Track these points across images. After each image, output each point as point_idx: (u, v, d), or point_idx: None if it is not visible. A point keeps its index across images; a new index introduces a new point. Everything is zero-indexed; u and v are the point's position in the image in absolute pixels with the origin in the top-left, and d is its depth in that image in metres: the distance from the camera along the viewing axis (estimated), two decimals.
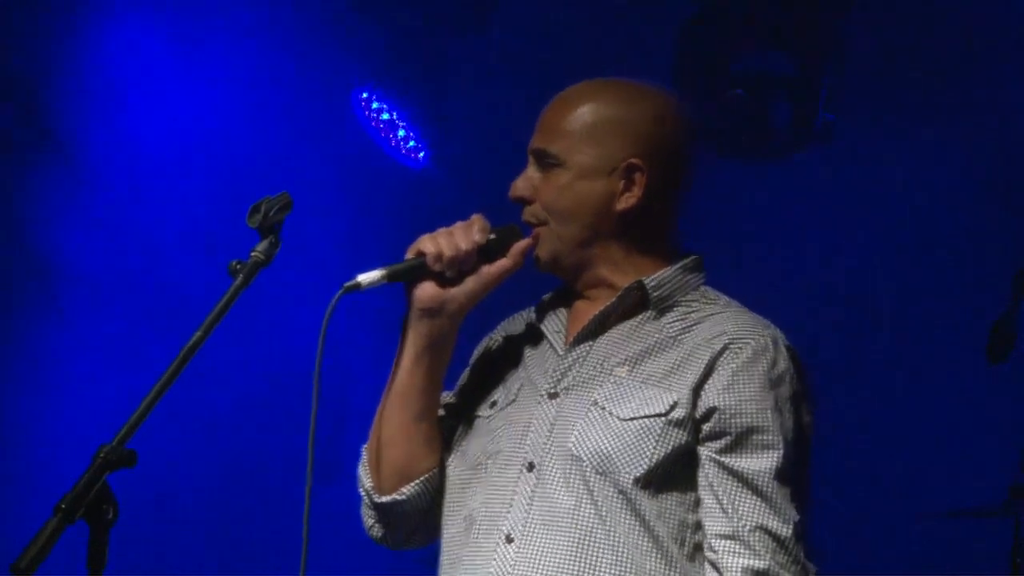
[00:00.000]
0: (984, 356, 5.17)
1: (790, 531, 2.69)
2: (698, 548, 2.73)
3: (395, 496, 2.93)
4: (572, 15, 6.22)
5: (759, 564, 2.68)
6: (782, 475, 2.71)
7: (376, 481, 2.95)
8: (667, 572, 2.71)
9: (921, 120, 6.17)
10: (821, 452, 6.65)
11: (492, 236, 2.89)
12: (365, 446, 2.99)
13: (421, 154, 6.35)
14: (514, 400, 2.88)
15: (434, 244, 2.86)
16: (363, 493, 2.99)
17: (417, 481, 2.92)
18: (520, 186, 2.91)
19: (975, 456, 5.97)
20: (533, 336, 2.97)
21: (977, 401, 6.05)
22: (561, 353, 2.89)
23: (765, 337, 2.78)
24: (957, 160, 6.14)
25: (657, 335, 2.83)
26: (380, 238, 5.42)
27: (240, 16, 6.07)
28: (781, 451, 2.72)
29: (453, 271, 2.87)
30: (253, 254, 2.76)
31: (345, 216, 6.09)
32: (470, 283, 2.88)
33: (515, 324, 3.04)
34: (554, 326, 2.94)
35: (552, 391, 2.84)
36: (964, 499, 5.55)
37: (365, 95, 6.28)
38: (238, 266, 2.74)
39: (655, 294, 2.86)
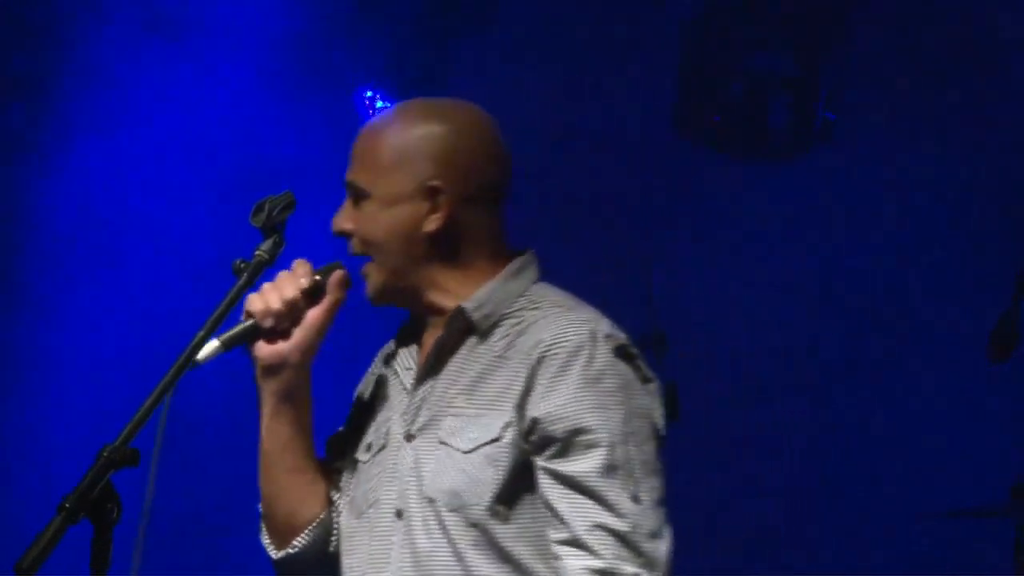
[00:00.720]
0: (984, 356, 5.17)
1: (627, 524, 2.67)
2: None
3: (288, 551, 2.92)
4: (573, 15, 6.21)
5: (598, 564, 2.66)
6: (612, 470, 2.68)
7: (271, 538, 2.95)
8: None
9: (921, 120, 6.16)
10: (821, 452, 6.67)
11: (317, 277, 2.86)
12: (259, 503, 2.98)
13: None
14: (384, 445, 2.86)
15: (261, 302, 2.82)
16: (265, 550, 2.99)
17: (306, 531, 2.91)
18: (338, 220, 2.89)
19: (975, 456, 5.96)
20: (392, 372, 2.94)
21: (977, 401, 6.04)
22: (410, 392, 2.87)
23: (580, 335, 2.74)
24: (957, 160, 6.14)
25: (487, 357, 2.81)
26: None
27: (242, 16, 6.07)
28: (606, 447, 2.69)
29: (286, 322, 2.83)
30: (257, 253, 2.76)
31: None
32: (298, 334, 2.84)
33: (382, 357, 3.00)
34: (406, 362, 2.91)
35: (409, 433, 2.83)
36: (964, 499, 5.55)
37: (369, 94, 6.28)
38: (242, 265, 2.75)
39: (476, 316, 2.82)
